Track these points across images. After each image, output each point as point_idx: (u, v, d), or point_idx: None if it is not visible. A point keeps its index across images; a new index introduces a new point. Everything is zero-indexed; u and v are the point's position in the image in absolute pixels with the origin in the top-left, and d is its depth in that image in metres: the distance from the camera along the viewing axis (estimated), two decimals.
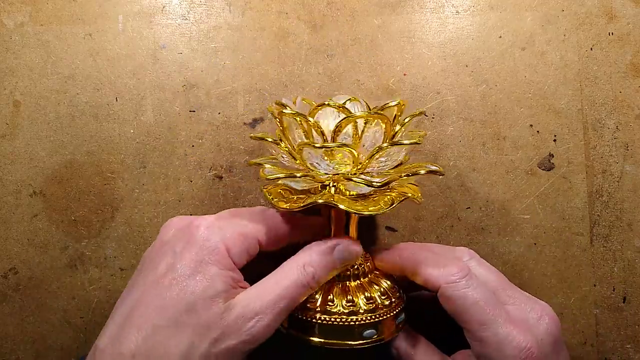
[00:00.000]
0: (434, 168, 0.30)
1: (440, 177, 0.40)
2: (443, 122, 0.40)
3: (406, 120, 0.32)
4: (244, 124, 0.40)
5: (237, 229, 0.30)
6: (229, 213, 0.32)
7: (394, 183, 0.31)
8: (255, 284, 0.29)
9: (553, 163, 0.40)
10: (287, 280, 0.29)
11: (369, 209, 0.30)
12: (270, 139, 0.32)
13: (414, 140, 0.30)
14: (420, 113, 0.33)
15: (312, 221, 0.34)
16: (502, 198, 0.40)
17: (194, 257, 0.28)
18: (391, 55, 0.40)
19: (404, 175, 0.30)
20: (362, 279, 0.33)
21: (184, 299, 0.27)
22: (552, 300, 0.39)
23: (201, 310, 0.27)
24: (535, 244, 0.40)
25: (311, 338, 0.31)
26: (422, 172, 0.30)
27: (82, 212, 0.40)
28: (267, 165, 0.31)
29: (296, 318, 0.31)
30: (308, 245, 0.31)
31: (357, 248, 0.32)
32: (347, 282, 0.33)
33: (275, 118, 0.33)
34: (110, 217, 0.40)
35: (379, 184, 0.29)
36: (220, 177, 0.40)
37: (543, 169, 0.40)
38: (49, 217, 0.40)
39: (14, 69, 0.40)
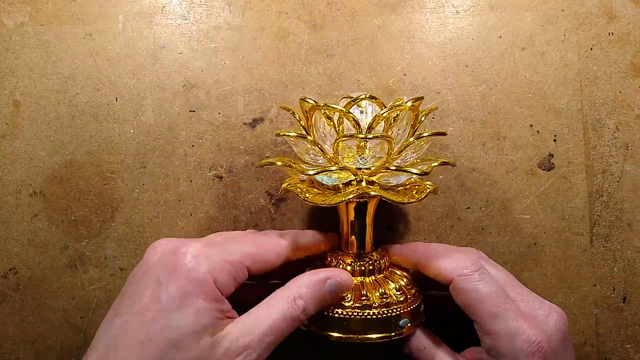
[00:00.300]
0: (445, 160, 0.32)
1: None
2: (443, 122, 0.40)
3: (422, 118, 0.33)
4: (244, 124, 0.40)
5: (224, 256, 0.29)
6: (217, 237, 0.32)
7: (411, 178, 0.32)
8: (243, 315, 0.29)
9: (553, 163, 0.40)
10: (276, 314, 0.28)
11: (408, 199, 0.31)
12: (295, 134, 0.31)
13: (441, 131, 0.31)
14: (434, 109, 0.34)
15: (304, 242, 0.34)
16: (502, 198, 0.40)
17: (179, 289, 0.27)
18: (391, 55, 0.40)
19: (434, 166, 0.31)
20: (385, 272, 0.34)
21: (169, 334, 0.26)
22: (552, 300, 0.38)
23: (187, 346, 0.26)
24: (535, 244, 0.40)
25: (346, 335, 0.31)
26: (435, 163, 0.31)
27: (82, 212, 0.40)
28: (278, 163, 0.32)
29: (324, 315, 0.31)
30: (299, 276, 0.31)
31: (349, 281, 0.32)
32: (373, 276, 0.33)
33: (293, 114, 0.33)
34: (110, 217, 0.40)
35: (420, 173, 0.29)
36: (220, 177, 0.40)
37: (543, 169, 0.40)
38: (49, 217, 0.40)
39: (14, 69, 0.40)
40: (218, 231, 0.39)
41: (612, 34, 0.40)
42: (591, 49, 0.40)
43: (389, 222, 0.40)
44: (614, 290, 0.39)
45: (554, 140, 0.40)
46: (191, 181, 0.40)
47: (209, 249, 0.29)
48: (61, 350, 0.39)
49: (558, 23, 0.40)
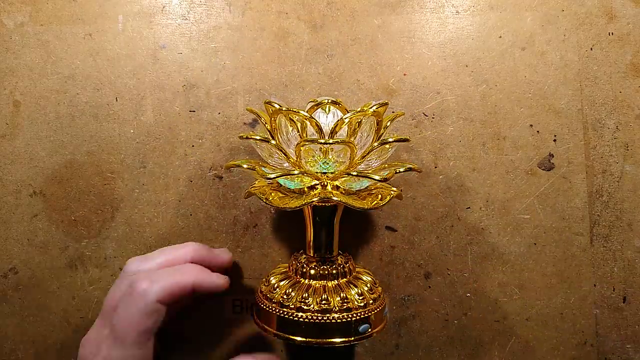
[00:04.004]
0: (411, 166, 0.32)
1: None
2: (443, 122, 0.40)
3: (388, 123, 0.33)
4: (244, 124, 0.40)
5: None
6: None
7: (377, 184, 0.32)
8: None
9: (553, 163, 0.40)
10: None
11: (369, 204, 0.31)
12: (258, 137, 0.31)
13: (403, 137, 0.31)
14: (400, 114, 0.34)
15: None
16: (502, 198, 0.40)
17: None
18: (391, 55, 0.40)
19: (399, 172, 0.31)
20: (349, 277, 0.34)
21: None
22: (552, 300, 0.39)
23: None
24: (535, 244, 0.40)
25: (307, 339, 0.31)
26: (402, 169, 0.31)
27: (82, 212, 0.40)
28: (244, 165, 0.32)
29: (288, 320, 0.31)
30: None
31: None
32: (337, 280, 0.33)
33: (258, 117, 0.33)
34: (110, 217, 0.40)
35: (380, 179, 0.29)
36: (220, 177, 0.40)
37: (543, 169, 0.40)
38: (49, 217, 0.40)
39: (14, 69, 0.40)
40: (218, 231, 0.40)
41: (612, 34, 0.40)
42: (591, 49, 0.40)
43: (389, 222, 0.40)
44: (614, 290, 0.39)
45: (554, 140, 0.40)
46: (191, 181, 0.40)
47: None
48: (61, 350, 0.39)
49: (558, 23, 0.40)
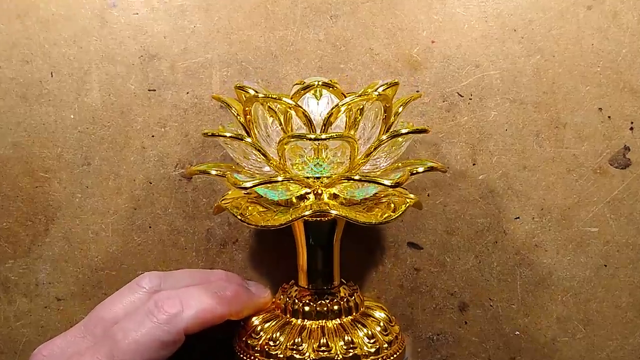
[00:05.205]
0: (432, 164, 0.29)
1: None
2: (483, 104, 0.36)
3: (400, 108, 0.30)
4: (221, 107, 0.36)
5: None
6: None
7: (387, 190, 0.30)
8: None
9: (629, 159, 0.36)
10: None
11: (378, 218, 0.28)
12: (229, 134, 0.28)
13: (420, 127, 0.29)
14: (417, 96, 0.31)
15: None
16: (562, 205, 0.36)
17: None
18: (415, 17, 0.36)
19: (416, 172, 0.29)
20: (354, 313, 0.31)
21: None
22: (627, 339, 0.36)
23: None
24: (605, 265, 0.36)
25: None
26: (421, 169, 0.29)
27: (7, 223, 0.36)
28: (212, 172, 0.29)
29: None
30: None
31: None
32: (339, 319, 0.30)
33: (228, 106, 0.31)
34: (43, 230, 0.36)
35: (392, 184, 0.26)
36: (189, 178, 0.36)
37: (616, 167, 0.36)
38: None
39: None
40: (186, 249, 0.36)
41: None
42: None
43: (412, 237, 0.36)
44: None
45: (631, 129, 0.35)
46: (150, 183, 0.36)
47: None
48: None
49: None
